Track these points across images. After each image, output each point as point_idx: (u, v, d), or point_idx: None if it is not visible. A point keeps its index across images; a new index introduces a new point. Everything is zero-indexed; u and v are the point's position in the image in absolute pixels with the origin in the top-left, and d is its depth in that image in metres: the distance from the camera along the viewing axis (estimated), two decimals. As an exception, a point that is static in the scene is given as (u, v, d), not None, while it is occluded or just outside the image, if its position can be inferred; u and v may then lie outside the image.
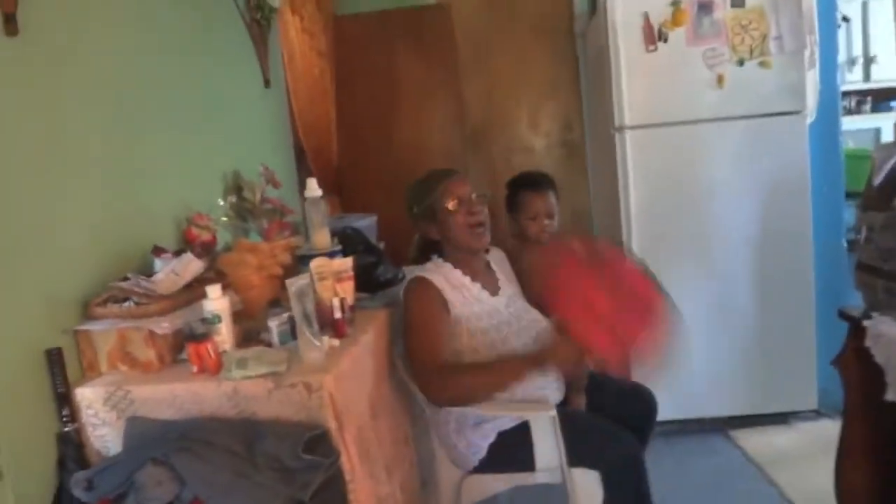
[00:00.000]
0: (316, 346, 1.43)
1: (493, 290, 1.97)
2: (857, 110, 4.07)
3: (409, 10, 3.57)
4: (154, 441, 1.36)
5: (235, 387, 1.38)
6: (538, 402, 1.88)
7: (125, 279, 1.56)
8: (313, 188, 2.00)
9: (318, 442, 1.34)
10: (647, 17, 2.67)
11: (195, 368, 1.43)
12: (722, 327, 2.89)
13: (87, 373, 1.49)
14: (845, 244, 3.08)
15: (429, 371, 1.76)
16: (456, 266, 1.92)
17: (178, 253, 1.70)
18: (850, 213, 2.94)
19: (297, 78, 2.93)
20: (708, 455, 2.79)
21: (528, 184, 2.25)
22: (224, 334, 1.49)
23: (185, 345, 1.46)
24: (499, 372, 1.78)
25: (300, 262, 1.89)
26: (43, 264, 1.42)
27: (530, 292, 2.07)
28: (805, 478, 2.48)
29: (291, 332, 1.54)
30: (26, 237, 1.38)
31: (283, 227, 2.12)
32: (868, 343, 1.54)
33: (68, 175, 1.51)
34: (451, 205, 1.86)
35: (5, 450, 1.28)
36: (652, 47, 2.69)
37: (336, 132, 3.45)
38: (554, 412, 1.79)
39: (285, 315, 1.57)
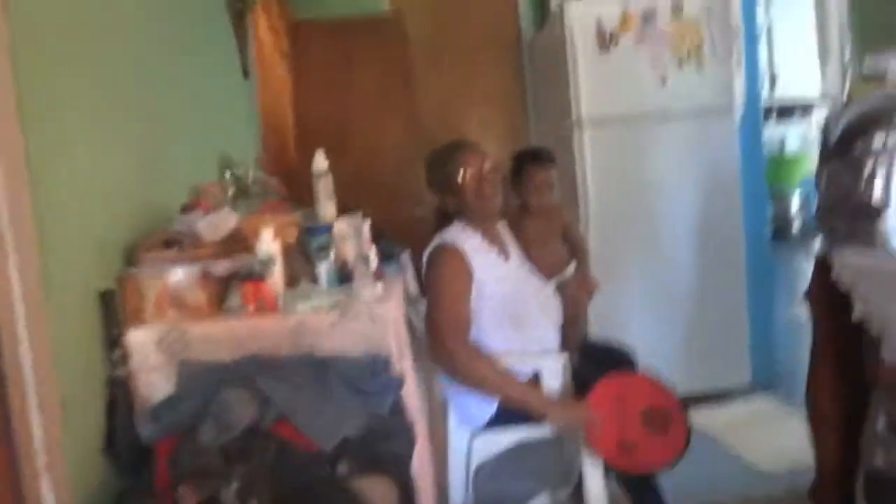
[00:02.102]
0: (371, 284, 1.49)
1: (506, 255, 2.06)
2: (765, 119, 4.59)
3: (365, 18, 3.70)
4: (210, 380, 1.37)
5: (300, 321, 1.42)
6: (545, 352, 2.00)
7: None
8: (320, 162, 2.06)
9: (383, 368, 1.40)
10: (599, 23, 2.95)
11: (251, 307, 1.46)
12: (667, 314, 3.14)
13: (132, 320, 1.47)
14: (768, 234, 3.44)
15: (453, 341, 1.77)
16: (475, 232, 1.98)
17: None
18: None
19: (265, 74, 2.98)
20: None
21: (533, 158, 2.46)
22: (277, 276, 1.52)
23: (236, 287, 1.49)
24: (512, 386, 1.83)
25: (308, 234, 1.92)
26: (93, 208, 1.42)
27: (531, 258, 2.19)
28: (757, 440, 2.71)
29: (338, 277, 1.60)
30: (80, 180, 1.38)
31: (277, 206, 2.17)
32: (835, 272, 1.77)
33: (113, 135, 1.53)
34: (467, 175, 1.96)
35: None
36: (604, 49, 2.96)
37: (293, 136, 3.49)
38: (566, 356, 1.92)
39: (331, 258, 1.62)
